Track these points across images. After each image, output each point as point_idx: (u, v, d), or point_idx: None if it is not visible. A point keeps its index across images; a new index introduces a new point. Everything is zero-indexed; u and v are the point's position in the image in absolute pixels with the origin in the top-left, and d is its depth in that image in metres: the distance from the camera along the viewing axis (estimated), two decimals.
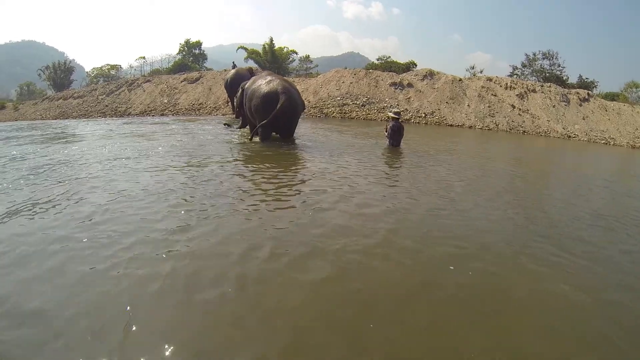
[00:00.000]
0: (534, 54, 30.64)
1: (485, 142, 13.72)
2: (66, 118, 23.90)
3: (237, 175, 5.31)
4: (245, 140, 8.81)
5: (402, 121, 8.86)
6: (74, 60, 46.20)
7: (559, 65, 29.98)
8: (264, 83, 8.11)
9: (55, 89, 36.10)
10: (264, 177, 5.16)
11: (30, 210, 3.81)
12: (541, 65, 30.42)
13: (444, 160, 7.84)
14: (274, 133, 8.65)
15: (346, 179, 5.31)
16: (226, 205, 3.98)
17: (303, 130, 11.71)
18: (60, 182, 4.80)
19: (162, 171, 5.39)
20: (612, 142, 19.69)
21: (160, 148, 7.58)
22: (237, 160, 6.46)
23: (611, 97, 26.88)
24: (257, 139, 8.65)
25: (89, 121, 19.19)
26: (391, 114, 8.50)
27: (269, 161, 6.19)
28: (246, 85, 8.93)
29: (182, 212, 3.74)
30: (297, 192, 4.60)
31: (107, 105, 25.20)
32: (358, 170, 6.00)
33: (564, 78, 29.35)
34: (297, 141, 8.95)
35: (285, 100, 7.67)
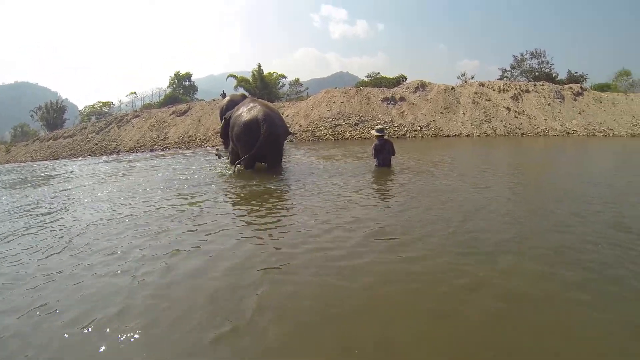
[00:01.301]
0: (522, 55, 30.53)
1: (482, 151, 12.82)
2: (56, 158, 23.46)
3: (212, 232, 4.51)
4: (225, 173, 8.31)
5: (386, 137, 8.02)
6: (66, 99, 46.59)
7: (547, 63, 29.84)
8: (245, 111, 7.91)
9: (49, 128, 35.95)
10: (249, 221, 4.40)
11: None
12: (530, 65, 30.28)
13: (437, 183, 6.51)
14: (261, 162, 8.33)
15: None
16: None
17: (291, 157, 11.17)
18: None
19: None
20: (612, 133, 19.34)
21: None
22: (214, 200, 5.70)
23: (601, 88, 26.70)
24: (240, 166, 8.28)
25: (75, 161, 18.76)
26: (374, 132, 7.81)
27: (253, 199, 5.44)
28: (230, 115, 8.74)
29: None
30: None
31: (96, 144, 24.78)
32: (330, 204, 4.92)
33: (553, 75, 29.15)
34: (285, 168, 8.47)
35: (267, 128, 7.42)
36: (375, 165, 7.89)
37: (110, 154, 22.32)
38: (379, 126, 8.26)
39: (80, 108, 43.14)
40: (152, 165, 11.80)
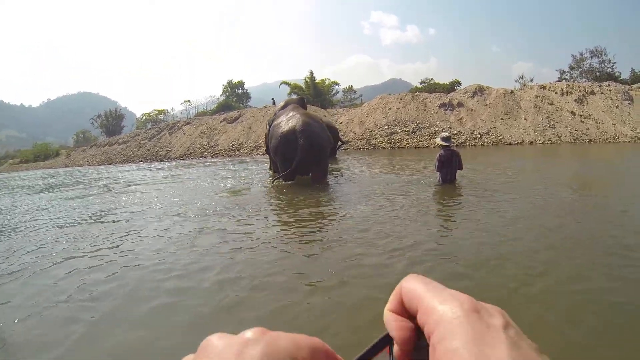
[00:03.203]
0: (581, 54, 27.77)
1: (555, 163, 10.23)
2: (110, 164, 23.91)
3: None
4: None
5: (453, 147, 6.44)
6: (125, 107, 48.90)
7: (609, 62, 26.84)
8: (284, 121, 7.15)
9: (108, 135, 37.58)
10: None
11: None
12: (590, 64, 27.47)
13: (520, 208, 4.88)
14: (302, 175, 7.39)
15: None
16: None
17: (341, 165, 9.85)
18: None
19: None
20: None
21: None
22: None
23: None
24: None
25: (122, 167, 18.74)
26: (439, 140, 6.39)
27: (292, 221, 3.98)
28: (271, 122, 7.92)
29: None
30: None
31: (148, 150, 25.00)
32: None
33: (616, 75, 26.08)
34: (330, 182, 7.26)
35: (305, 140, 6.62)
36: (438, 181, 6.40)
37: (161, 160, 22.28)
38: (444, 133, 6.52)
39: (137, 115, 44.83)
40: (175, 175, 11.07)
